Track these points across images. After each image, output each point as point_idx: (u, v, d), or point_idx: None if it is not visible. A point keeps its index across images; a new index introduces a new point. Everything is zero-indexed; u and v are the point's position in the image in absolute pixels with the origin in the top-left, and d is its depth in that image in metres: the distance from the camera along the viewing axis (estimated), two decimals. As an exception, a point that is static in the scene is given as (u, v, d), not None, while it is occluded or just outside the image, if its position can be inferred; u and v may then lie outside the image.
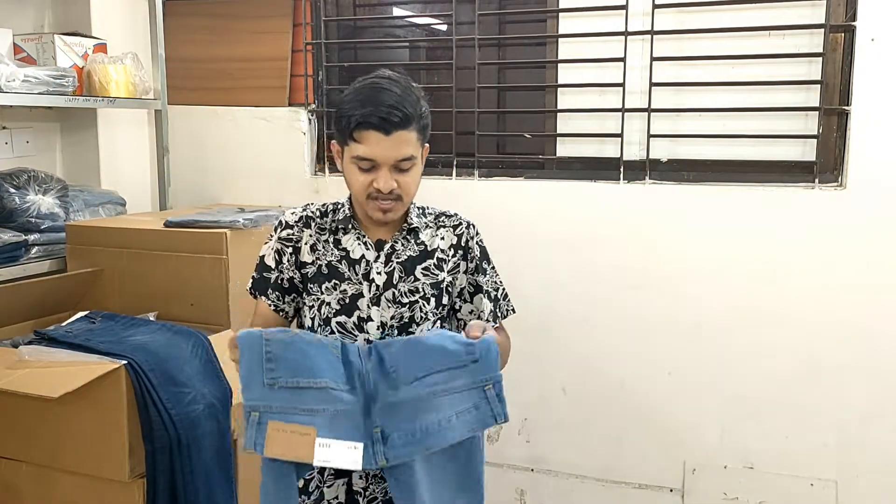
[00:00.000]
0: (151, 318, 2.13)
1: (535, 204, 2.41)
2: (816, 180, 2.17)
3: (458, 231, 1.58)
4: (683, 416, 2.34)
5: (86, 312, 2.14)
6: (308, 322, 1.54)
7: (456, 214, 1.61)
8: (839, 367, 2.18)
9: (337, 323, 1.50)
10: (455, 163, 2.52)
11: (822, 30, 2.13)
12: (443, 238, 1.56)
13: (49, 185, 2.36)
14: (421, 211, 1.59)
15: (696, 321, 2.29)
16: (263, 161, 2.71)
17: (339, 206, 1.56)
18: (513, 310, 1.65)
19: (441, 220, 1.59)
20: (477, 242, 1.59)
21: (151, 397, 1.77)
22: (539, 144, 2.53)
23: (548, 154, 2.49)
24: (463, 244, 1.57)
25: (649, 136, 2.30)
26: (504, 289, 1.63)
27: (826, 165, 2.19)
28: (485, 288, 1.59)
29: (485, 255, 1.60)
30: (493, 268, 1.61)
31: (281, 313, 1.56)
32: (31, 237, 2.25)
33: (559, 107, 2.45)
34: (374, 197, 1.44)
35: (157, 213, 2.65)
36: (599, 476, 2.46)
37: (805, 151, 2.22)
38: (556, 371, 2.45)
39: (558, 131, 2.46)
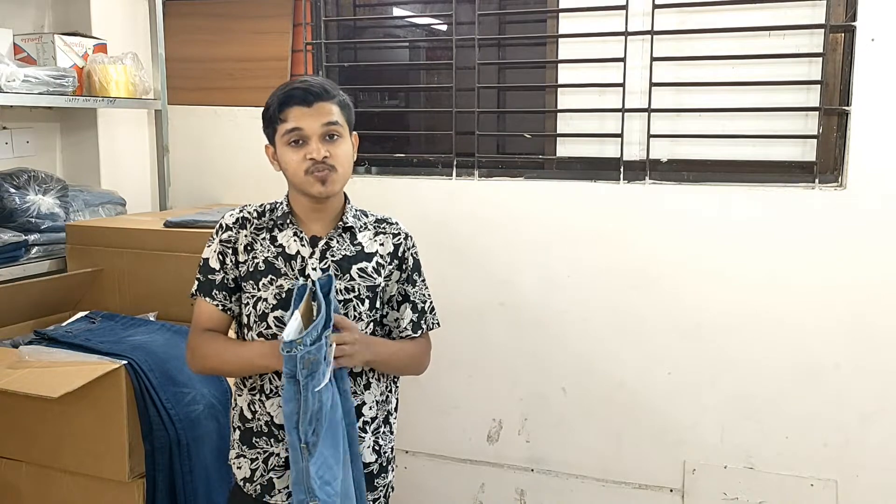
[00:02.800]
0: (151, 318, 2.13)
1: (535, 204, 2.41)
2: (816, 180, 2.17)
3: (396, 241, 1.62)
4: (683, 416, 2.34)
5: (86, 312, 2.15)
6: (245, 319, 1.58)
7: (396, 223, 1.65)
8: (839, 367, 2.18)
9: (274, 318, 1.54)
10: (455, 163, 2.52)
11: (822, 30, 2.13)
12: (382, 244, 1.60)
13: (49, 185, 2.36)
14: (361, 213, 1.63)
15: (696, 321, 2.29)
16: (263, 161, 2.70)
17: (278, 205, 1.62)
18: (437, 323, 1.69)
19: (382, 226, 1.63)
20: (412, 254, 1.64)
21: (151, 397, 1.77)
22: (539, 144, 2.53)
23: (548, 154, 2.49)
24: (399, 254, 1.61)
25: (649, 136, 2.30)
26: (431, 303, 1.67)
27: (826, 165, 2.19)
28: (412, 299, 1.63)
29: (417, 267, 1.65)
30: (424, 281, 1.66)
31: (228, 312, 1.60)
32: (31, 237, 2.26)
33: (559, 107, 2.45)
34: (310, 171, 1.50)
35: (157, 213, 2.65)
36: (599, 476, 2.46)
37: (805, 151, 2.22)
38: (556, 371, 2.45)
39: (558, 131, 2.46)
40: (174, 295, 2.11)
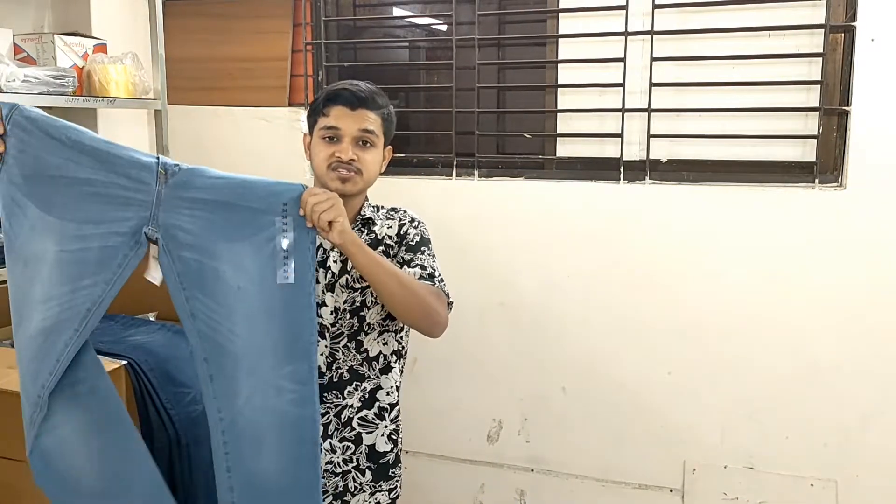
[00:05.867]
0: (151, 319, 2.13)
1: (535, 204, 2.41)
2: (816, 180, 2.17)
3: (401, 222, 1.67)
4: (683, 416, 2.34)
5: (86, 312, 2.14)
6: None
7: (405, 211, 1.71)
8: (839, 367, 2.18)
9: None
10: (455, 163, 2.52)
11: (822, 30, 2.13)
12: (390, 227, 1.66)
13: (49, 185, 2.35)
14: (376, 208, 1.70)
15: (696, 321, 2.29)
16: (263, 161, 2.71)
17: None
18: (448, 295, 1.62)
19: (390, 213, 1.69)
20: (416, 228, 1.67)
21: (151, 397, 1.77)
22: (539, 144, 2.53)
23: (548, 154, 2.49)
24: (402, 232, 1.66)
25: (649, 136, 2.30)
26: (439, 273, 1.63)
27: (826, 165, 2.19)
28: (413, 264, 1.62)
29: (424, 242, 1.66)
30: (430, 255, 1.65)
31: None
32: (31, 237, 2.25)
33: (559, 107, 2.45)
34: (335, 167, 1.56)
35: (157, 213, 2.65)
36: (599, 476, 2.46)
37: (805, 151, 2.22)
38: (556, 371, 2.45)
39: (558, 131, 2.46)
40: (174, 295, 2.10)
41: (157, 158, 1.41)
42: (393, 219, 1.68)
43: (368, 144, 1.58)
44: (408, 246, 1.64)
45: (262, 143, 2.71)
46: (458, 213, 2.48)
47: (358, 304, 1.61)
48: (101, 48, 2.52)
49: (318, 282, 1.60)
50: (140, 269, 1.41)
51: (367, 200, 1.69)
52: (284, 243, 1.39)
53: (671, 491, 2.39)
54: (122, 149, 1.40)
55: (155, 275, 1.41)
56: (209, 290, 1.38)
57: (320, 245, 1.61)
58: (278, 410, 1.40)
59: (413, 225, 1.68)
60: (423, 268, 1.61)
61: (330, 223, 1.37)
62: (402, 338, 1.71)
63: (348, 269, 1.61)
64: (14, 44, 2.36)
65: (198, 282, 1.38)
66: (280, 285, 1.39)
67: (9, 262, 1.37)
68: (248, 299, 1.39)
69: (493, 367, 2.53)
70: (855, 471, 2.20)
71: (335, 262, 1.61)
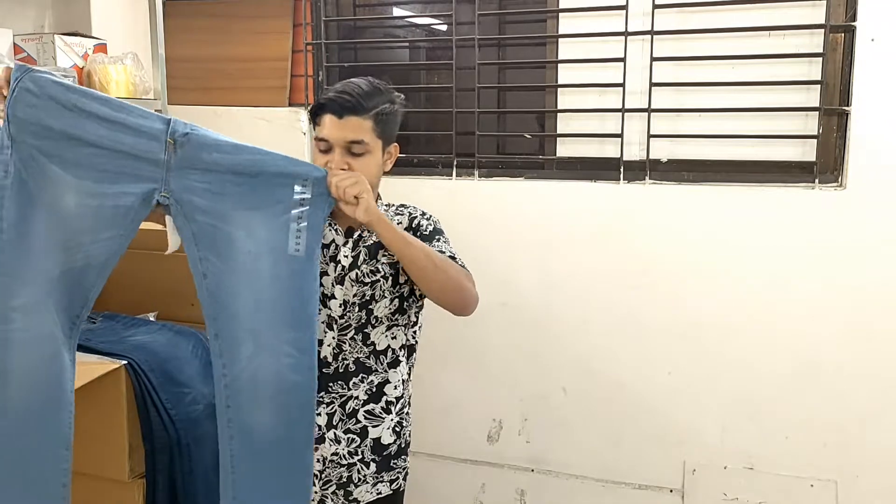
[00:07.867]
0: (151, 318, 2.13)
1: (535, 204, 2.41)
2: (816, 180, 2.17)
3: (411, 216, 1.68)
4: (683, 416, 2.34)
5: (86, 312, 2.14)
6: None
7: (415, 207, 1.72)
8: (839, 367, 2.18)
9: None
10: (455, 163, 2.52)
11: (822, 30, 2.13)
12: (400, 222, 1.66)
13: (49, 185, 2.35)
14: (387, 206, 1.71)
15: (696, 321, 2.29)
16: (263, 161, 2.71)
17: None
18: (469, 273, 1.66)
19: (399, 210, 1.70)
20: (428, 220, 1.68)
21: (151, 397, 1.77)
22: (539, 144, 2.53)
23: (548, 154, 2.49)
24: (414, 225, 1.67)
25: (649, 136, 2.30)
26: (459, 256, 1.65)
27: (826, 165, 2.19)
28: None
29: (437, 231, 1.68)
30: (446, 241, 1.67)
31: None
32: (31, 237, 2.25)
33: (559, 107, 2.45)
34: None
35: (158, 213, 2.65)
36: (599, 476, 2.46)
37: (805, 151, 2.22)
38: (556, 371, 2.45)
39: (558, 131, 2.46)
40: (174, 295, 2.10)
41: (168, 125, 1.43)
42: (402, 214, 1.69)
43: (360, 153, 1.58)
44: (422, 236, 1.64)
45: (262, 143, 2.66)
46: (458, 213, 2.48)
47: (367, 298, 1.62)
48: (102, 48, 2.52)
49: (327, 274, 1.61)
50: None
51: (381, 199, 1.71)
52: (300, 218, 1.46)
53: (671, 491, 2.39)
54: (131, 115, 1.43)
55: (172, 240, 1.48)
56: (221, 252, 1.46)
57: (332, 241, 1.63)
58: (278, 374, 1.48)
59: (424, 217, 1.69)
60: (442, 252, 1.62)
61: (356, 198, 1.44)
62: (413, 332, 1.72)
63: (358, 263, 1.61)
64: (14, 44, 2.36)
65: (211, 243, 1.46)
66: (290, 256, 1.46)
67: (28, 211, 1.41)
68: (257, 265, 1.46)
69: (493, 367, 2.53)
70: (855, 471, 2.20)
71: (346, 256, 1.62)
